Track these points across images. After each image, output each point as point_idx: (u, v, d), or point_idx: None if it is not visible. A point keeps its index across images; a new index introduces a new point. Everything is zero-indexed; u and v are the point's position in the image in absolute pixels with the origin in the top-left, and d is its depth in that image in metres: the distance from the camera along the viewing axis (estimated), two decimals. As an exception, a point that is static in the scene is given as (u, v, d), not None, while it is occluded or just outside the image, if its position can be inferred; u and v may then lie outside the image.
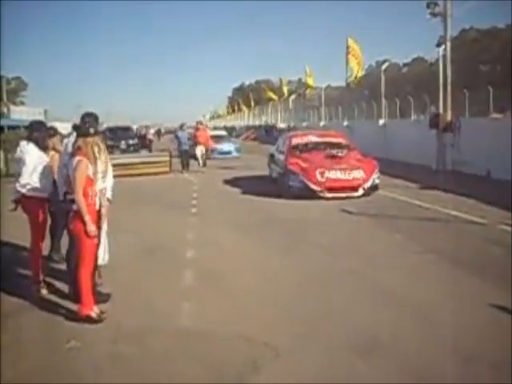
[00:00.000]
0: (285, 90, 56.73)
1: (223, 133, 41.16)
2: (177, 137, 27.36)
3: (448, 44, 21.29)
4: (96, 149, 6.58)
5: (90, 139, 6.56)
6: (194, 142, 26.06)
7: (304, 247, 9.97)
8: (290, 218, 12.79)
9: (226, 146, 34.10)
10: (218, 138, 33.77)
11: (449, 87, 21.22)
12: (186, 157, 25.64)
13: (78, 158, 6.42)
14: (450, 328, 5.81)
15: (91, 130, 6.68)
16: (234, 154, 33.62)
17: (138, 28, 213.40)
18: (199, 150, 25.55)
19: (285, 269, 8.59)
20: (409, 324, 6.10)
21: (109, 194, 7.38)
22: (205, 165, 25.69)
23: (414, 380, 4.81)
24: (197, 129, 27.45)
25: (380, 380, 4.85)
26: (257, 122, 78.42)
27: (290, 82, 60.50)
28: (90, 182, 6.46)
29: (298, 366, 5.20)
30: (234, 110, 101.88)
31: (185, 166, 25.24)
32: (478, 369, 4.96)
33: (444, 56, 21.46)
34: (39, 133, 7.74)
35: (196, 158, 25.65)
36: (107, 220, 7.51)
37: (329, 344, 5.62)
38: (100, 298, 6.86)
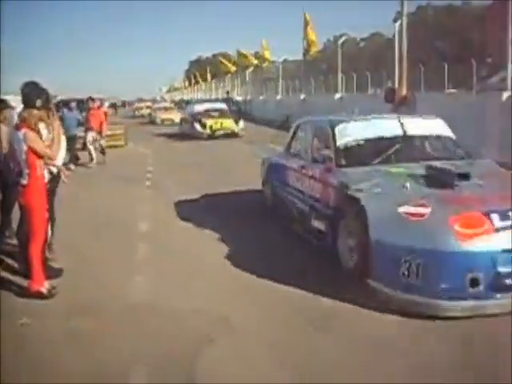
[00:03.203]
0: (252, 59, 56.12)
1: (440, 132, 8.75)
2: (62, 119, 16.02)
3: (404, 20, 21.36)
4: (41, 124, 6.40)
5: (35, 112, 6.37)
6: (85, 126, 18.63)
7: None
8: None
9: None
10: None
11: (404, 62, 21.34)
12: (73, 145, 17.17)
13: (24, 130, 6.24)
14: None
15: (38, 102, 6.49)
16: None
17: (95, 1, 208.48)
18: (90, 137, 18.46)
19: (241, 236, 8.52)
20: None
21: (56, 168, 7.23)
22: (103, 153, 18.91)
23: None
24: (88, 109, 19.28)
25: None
26: (214, 95, 77.88)
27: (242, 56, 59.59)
28: (38, 154, 6.31)
29: (252, 339, 5.23)
30: (190, 83, 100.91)
31: (73, 157, 17.57)
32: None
33: (400, 31, 21.54)
34: None
35: (86, 148, 18.60)
36: (59, 193, 7.43)
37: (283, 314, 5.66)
38: (52, 273, 6.77)
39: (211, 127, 27.04)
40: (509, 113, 14.87)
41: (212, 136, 26.70)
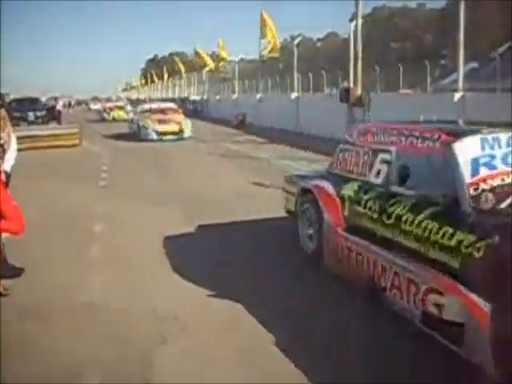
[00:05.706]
0: (207, 59, 56.01)
1: None
2: None
3: (359, 20, 21.62)
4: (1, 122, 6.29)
5: None
6: None
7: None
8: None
9: None
10: None
11: (359, 62, 21.60)
12: None
13: None
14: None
15: None
16: None
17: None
18: None
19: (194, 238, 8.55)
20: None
21: (7, 167, 7.05)
22: None
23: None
24: None
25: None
26: (170, 94, 77.66)
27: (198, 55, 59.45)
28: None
29: (205, 338, 5.22)
30: (147, 82, 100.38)
31: None
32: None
33: (355, 32, 21.77)
34: None
35: None
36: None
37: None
38: (13, 272, 6.74)
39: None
40: (460, 113, 15.21)
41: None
